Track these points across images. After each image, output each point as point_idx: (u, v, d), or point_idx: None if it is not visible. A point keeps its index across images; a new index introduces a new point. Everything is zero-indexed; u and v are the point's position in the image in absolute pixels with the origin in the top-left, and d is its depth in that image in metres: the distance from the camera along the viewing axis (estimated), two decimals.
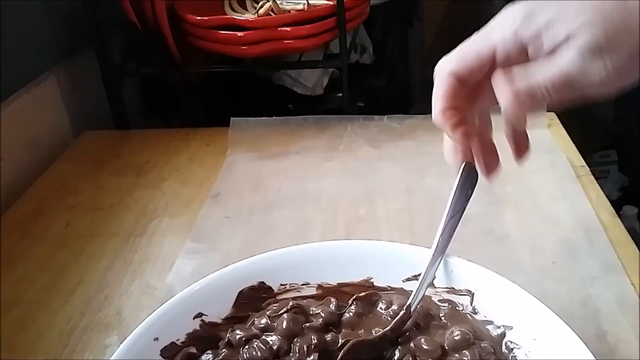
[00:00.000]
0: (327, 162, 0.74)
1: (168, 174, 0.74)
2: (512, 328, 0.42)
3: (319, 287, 0.47)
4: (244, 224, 0.63)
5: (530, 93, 0.36)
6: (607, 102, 1.49)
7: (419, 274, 0.45)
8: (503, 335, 0.42)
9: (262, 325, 0.43)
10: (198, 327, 0.44)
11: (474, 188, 0.44)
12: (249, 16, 0.83)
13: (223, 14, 0.87)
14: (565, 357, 0.38)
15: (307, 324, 0.43)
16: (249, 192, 0.69)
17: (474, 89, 0.41)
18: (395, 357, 0.41)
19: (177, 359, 0.42)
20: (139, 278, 0.57)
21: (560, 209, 0.61)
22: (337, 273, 0.47)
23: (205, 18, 0.80)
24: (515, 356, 0.41)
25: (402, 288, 0.46)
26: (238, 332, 0.43)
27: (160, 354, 0.41)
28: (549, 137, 0.73)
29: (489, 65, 0.39)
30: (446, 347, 0.42)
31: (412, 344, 0.42)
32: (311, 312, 0.45)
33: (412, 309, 0.43)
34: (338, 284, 0.47)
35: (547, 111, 0.75)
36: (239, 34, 0.78)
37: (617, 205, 1.20)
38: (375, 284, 0.47)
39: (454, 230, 0.44)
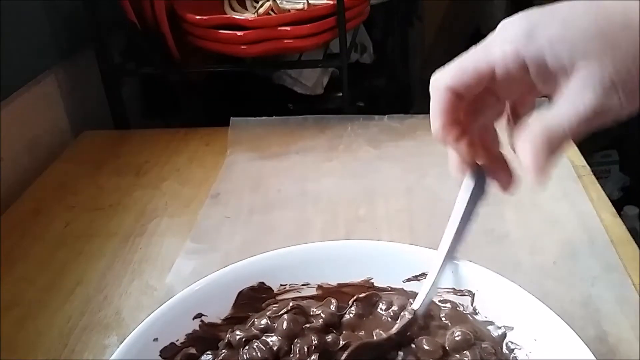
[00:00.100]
0: (327, 162, 0.74)
1: (168, 174, 0.74)
2: (512, 328, 0.42)
3: (319, 287, 0.47)
4: (244, 224, 0.63)
5: (550, 139, 0.35)
6: None
7: (419, 274, 0.45)
8: (504, 335, 0.42)
9: (262, 326, 0.43)
10: (198, 328, 0.44)
11: (485, 190, 0.43)
12: (248, 15, 0.83)
13: (223, 13, 0.87)
14: (566, 357, 0.38)
15: (308, 325, 0.43)
16: (249, 192, 0.69)
17: (473, 103, 0.40)
18: (399, 359, 0.41)
19: (176, 359, 0.42)
20: (138, 278, 0.57)
21: (561, 208, 0.61)
22: (337, 273, 0.47)
23: (204, 17, 0.80)
24: (516, 356, 0.41)
25: (402, 289, 0.46)
26: (238, 332, 0.43)
27: (160, 355, 0.41)
28: None
29: (488, 80, 0.38)
30: (447, 348, 0.41)
31: (413, 345, 0.42)
32: (311, 313, 0.44)
33: (419, 313, 0.43)
34: (338, 284, 0.47)
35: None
36: (239, 33, 0.78)
37: (618, 205, 1.20)
38: (375, 284, 0.47)
39: (463, 234, 0.43)
